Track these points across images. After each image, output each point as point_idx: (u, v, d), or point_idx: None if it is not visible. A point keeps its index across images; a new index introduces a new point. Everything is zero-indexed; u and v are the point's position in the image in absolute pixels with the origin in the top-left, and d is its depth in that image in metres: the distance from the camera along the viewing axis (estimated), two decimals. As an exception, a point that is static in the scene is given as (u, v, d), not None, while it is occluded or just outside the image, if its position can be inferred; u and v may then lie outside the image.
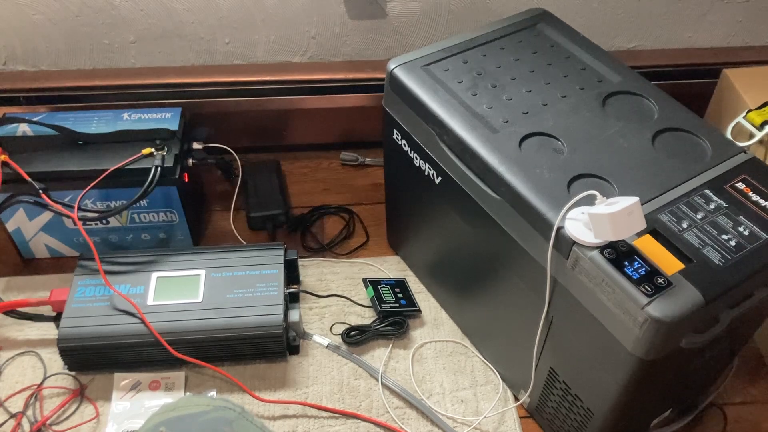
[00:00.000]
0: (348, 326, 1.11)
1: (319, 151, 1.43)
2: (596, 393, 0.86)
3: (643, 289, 0.73)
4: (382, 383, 1.06)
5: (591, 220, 0.75)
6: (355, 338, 1.10)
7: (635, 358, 0.77)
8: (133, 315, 1.02)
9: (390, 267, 1.23)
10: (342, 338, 1.10)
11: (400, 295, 1.15)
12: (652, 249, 0.77)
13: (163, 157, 1.11)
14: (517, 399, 1.05)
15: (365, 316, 1.15)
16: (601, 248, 0.77)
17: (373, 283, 1.16)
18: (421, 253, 1.16)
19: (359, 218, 1.31)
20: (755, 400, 1.07)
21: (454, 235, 1.02)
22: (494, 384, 1.07)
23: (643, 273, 0.75)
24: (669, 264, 0.76)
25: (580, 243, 0.78)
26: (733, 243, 0.78)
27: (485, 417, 1.03)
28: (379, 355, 1.10)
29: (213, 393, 1.04)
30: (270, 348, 1.06)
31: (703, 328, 0.78)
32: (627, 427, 0.94)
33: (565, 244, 0.79)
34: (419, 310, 1.15)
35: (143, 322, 1.01)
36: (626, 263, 0.76)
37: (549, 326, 0.89)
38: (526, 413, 1.04)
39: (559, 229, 0.80)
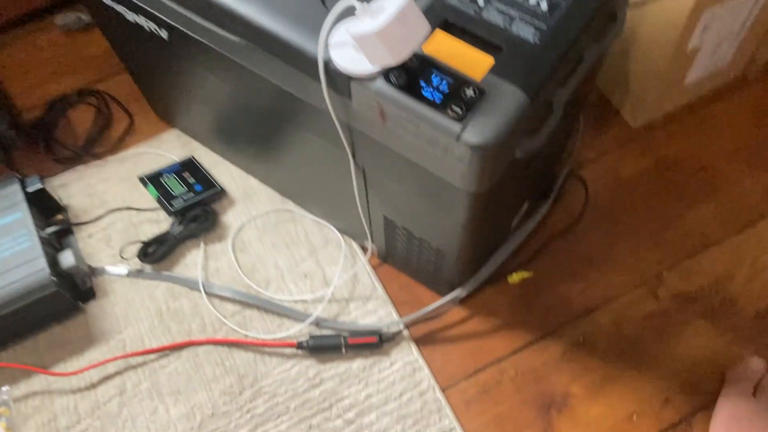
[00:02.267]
0: (142, 242, 0.89)
1: (29, 24, 1.08)
2: (441, 235, 0.71)
3: (451, 113, 0.54)
4: (206, 293, 0.87)
5: (358, 44, 0.53)
6: (156, 253, 0.88)
7: (469, 194, 0.60)
8: None
9: (171, 146, 0.98)
10: (139, 259, 0.88)
11: (191, 180, 0.92)
12: (449, 50, 0.57)
13: None
14: (363, 250, 0.90)
15: (160, 221, 0.92)
16: (385, 74, 0.56)
17: (153, 179, 0.92)
18: (199, 119, 0.91)
19: (111, 97, 1.01)
20: (609, 149, 0.97)
21: (218, 95, 0.78)
22: (335, 242, 0.90)
23: (446, 90, 0.55)
24: (475, 63, 0.57)
25: (356, 76, 0.56)
26: (544, 5, 0.59)
27: (336, 286, 0.87)
28: (192, 261, 0.90)
29: (6, 388, 0.82)
30: (53, 309, 0.83)
31: (536, 125, 0.61)
32: (486, 243, 0.81)
33: (341, 81, 0.58)
34: (222, 190, 0.93)
35: None
36: (422, 83, 0.56)
37: (364, 177, 0.71)
38: (378, 261, 0.90)
39: (327, 63, 0.57)
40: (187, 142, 0.98)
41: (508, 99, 0.55)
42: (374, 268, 0.89)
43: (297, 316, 0.85)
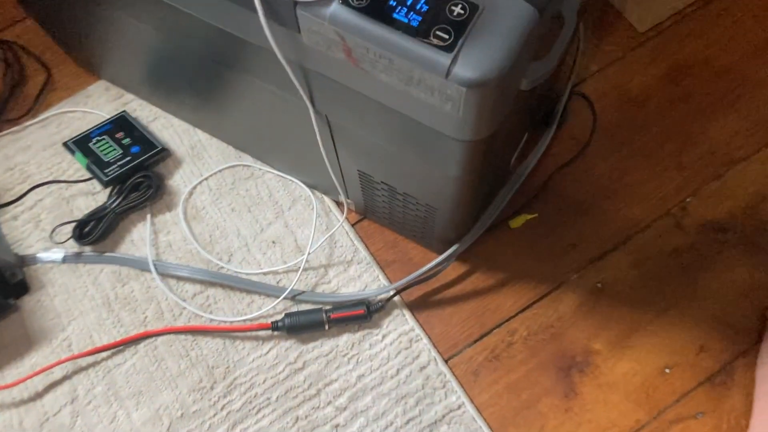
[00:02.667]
0: (76, 221, 0.75)
1: None
2: (430, 190, 0.58)
3: (436, 40, 0.40)
4: (159, 274, 0.74)
5: (299, -45, 0.38)
6: (95, 232, 0.74)
7: (463, 143, 0.47)
8: None
9: (99, 101, 0.82)
10: (76, 240, 0.74)
11: (126, 141, 0.77)
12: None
13: None
14: (339, 206, 0.77)
15: (96, 192, 0.78)
16: (341, -6, 0.42)
17: (80, 143, 0.77)
18: (128, 66, 0.75)
19: (21, 47, 0.85)
20: (614, 59, 0.83)
21: (143, 39, 0.63)
22: (304, 199, 0.77)
23: (425, 9, 0.41)
24: (461, -31, 0.42)
25: (302, 0, 0.42)
26: None
27: (311, 251, 0.75)
28: (139, 237, 0.76)
29: None
30: (-22, 313, 0.70)
31: (545, 47, 0.47)
32: (484, 191, 0.68)
33: (284, 9, 0.43)
34: (164, 149, 0.78)
35: None
36: (392, 2, 0.41)
37: (329, 127, 0.57)
38: (357, 217, 0.77)
39: (261, -15, 0.43)
40: (118, 95, 0.82)
41: (510, 14, 0.41)
42: (353, 225, 0.76)
43: (269, 292, 0.73)
